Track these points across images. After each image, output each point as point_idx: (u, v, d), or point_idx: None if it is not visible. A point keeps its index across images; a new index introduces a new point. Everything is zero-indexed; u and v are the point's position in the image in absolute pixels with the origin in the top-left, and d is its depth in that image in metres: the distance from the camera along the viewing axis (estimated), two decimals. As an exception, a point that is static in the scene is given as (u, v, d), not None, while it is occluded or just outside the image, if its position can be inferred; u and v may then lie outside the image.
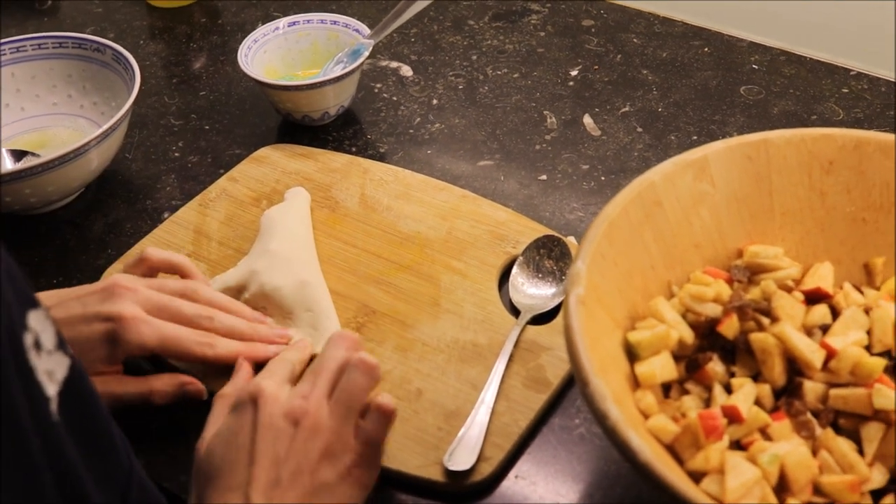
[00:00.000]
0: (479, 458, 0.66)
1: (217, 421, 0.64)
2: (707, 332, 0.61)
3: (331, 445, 0.60)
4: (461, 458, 0.66)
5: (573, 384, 0.73)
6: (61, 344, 0.47)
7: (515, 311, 0.77)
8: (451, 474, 0.66)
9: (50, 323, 0.46)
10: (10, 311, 0.43)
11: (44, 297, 0.70)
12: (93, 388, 0.50)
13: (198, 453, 0.62)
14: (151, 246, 0.80)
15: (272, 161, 0.93)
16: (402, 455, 0.67)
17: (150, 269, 0.75)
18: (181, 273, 0.76)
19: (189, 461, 0.63)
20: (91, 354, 0.67)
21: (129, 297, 0.69)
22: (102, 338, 0.68)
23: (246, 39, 0.98)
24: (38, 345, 0.44)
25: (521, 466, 0.68)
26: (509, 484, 0.67)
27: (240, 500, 0.57)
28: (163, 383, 0.70)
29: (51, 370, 0.45)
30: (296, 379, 0.67)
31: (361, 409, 0.62)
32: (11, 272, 0.44)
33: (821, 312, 0.62)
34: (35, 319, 0.45)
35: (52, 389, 0.45)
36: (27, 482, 0.44)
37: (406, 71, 1.07)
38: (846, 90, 1.00)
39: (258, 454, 0.58)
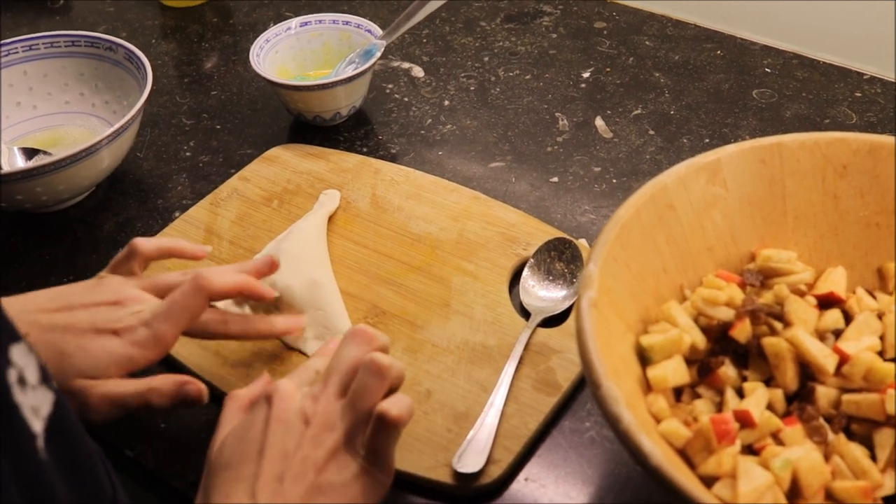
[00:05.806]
0: (489, 461, 0.66)
1: (229, 421, 0.63)
2: (719, 336, 0.61)
3: (339, 447, 0.59)
4: (470, 461, 0.66)
5: (583, 387, 0.72)
6: (45, 378, 0.45)
7: (526, 314, 0.77)
8: (459, 476, 0.66)
9: (33, 357, 0.44)
10: None
11: (44, 296, 0.68)
12: (77, 421, 0.48)
13: (210, 452, 0.61)
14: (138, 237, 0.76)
15: (283, 161, 0.93)
16: (410, 456, 0.67)
17: (144, 262, 0.73)
18: (177, 255, 0.74)
19: (198, 460, 0.63)
20: (101, 367, 0.65)
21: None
22: (117, 359, 0.66)
23: (258, 39, 0.98)
24: (22, 381, 0.43)
25: (531, 469, 0.68)
26: (519, 486, 0.67)
27: (245, 491, 0.57)
28: (161, 382, 0.66)
29: (36, 406, 0.44)
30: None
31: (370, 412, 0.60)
32: None
33: (834, 317, 0.61)
34: (18, 354, 0.43)
35: (38, 426, 0.44)
36: None
37: (418, 72, 1.07)
38: (859, 94, 0.99)
39: (267, 447, 0.58)
